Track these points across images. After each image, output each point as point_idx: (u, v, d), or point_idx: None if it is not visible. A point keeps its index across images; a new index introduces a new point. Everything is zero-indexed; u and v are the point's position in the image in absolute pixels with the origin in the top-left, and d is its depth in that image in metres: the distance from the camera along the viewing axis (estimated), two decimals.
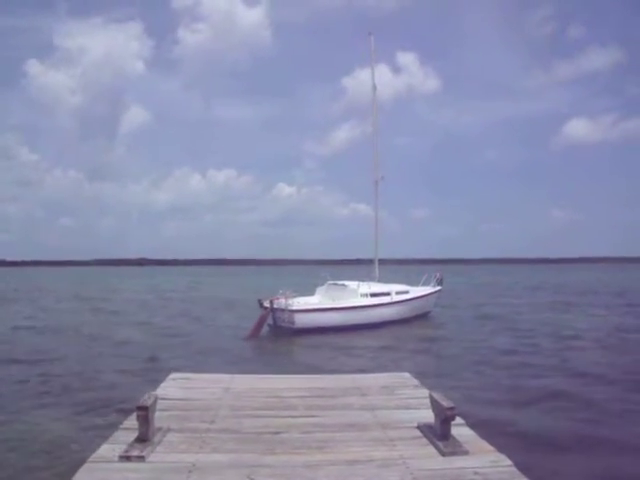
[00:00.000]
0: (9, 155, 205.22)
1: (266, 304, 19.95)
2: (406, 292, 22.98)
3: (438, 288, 25.06)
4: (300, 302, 20.32)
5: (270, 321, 19.94)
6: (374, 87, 25.30)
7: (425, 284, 24.89)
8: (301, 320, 19.26)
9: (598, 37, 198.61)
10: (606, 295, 38.12)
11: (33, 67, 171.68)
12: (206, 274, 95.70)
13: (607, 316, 24.03)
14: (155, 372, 10.33)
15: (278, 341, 18.97)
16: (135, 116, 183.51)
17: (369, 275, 23.38)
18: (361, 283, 21.91)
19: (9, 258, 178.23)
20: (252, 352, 17.33)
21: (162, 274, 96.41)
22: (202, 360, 14.02)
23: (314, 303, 20.94)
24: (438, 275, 25.54)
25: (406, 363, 12.56)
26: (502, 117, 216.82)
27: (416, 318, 23.10)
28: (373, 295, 21.60)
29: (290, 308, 19.39)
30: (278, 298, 19.82)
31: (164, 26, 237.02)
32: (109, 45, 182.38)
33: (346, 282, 22.32)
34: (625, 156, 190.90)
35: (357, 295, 21.26)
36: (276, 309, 19.69)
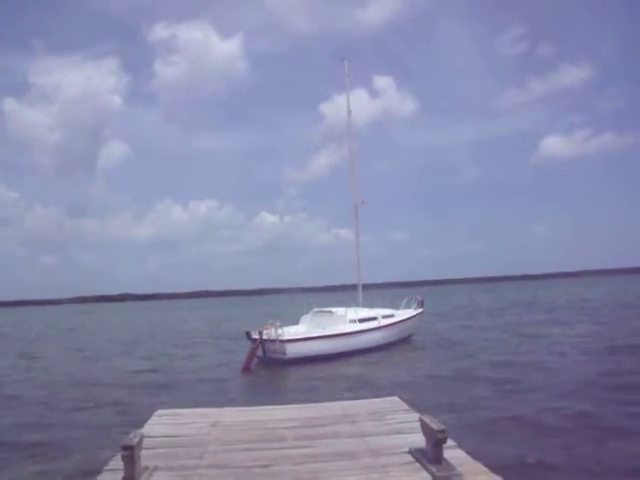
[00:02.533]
0: None
1: (255, 335, 19.40)
2: (391, 316, 22.92)
3: (420, 311, 25.12)
4: (290, 331, 19.90)
5: (260, 352, 19.37)
6: (349, 112, 25.79)
7: (406, 307, 24.84)
8: (292, 350, 18.79)
9: (568, 55, 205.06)
10: (577, 310, 37.59)
11: (9, 105, 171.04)
12: (189, 307, 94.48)
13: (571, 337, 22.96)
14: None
15: (272, 373, 18.27)
16: (114, 150, 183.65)
17: (353, 300, 23.26)
18: (348, 309, 21.73)
19: None
20: (250, 387, 16.59)
21: (145, 310, 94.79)
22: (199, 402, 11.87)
23: (301, 332, 20.46)
24: (419, 298, 25.59)
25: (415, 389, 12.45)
26: (480, 137, 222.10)
27: (401, 342, 23.03)
28: (361, 320, 21.34)
29: (281, 338, 18.92)
30: (266, 329, 19.32)
31: (140, 60, 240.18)
32: (86, 81, 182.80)
33: (333, 309, 22.08)
34: (599, 170, 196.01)
35: (346, 321, 20.92)
36: (265, 340, 19.17)
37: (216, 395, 13.91)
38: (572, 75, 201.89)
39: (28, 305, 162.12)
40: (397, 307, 24.42)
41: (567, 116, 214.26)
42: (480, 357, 18.97)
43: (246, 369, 18.49)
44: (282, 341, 18.90)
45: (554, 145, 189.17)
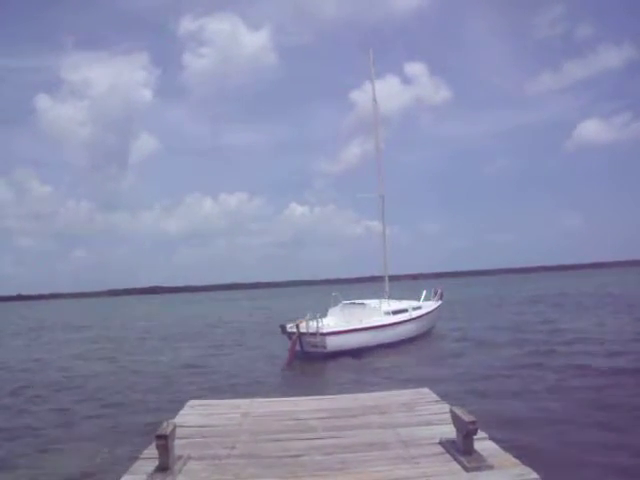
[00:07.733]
0: (22, 189, 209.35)
1: (291, 329, 18.74)
2: (419, 308, 22.70)
3: (439, 303, 24.73)
4: (330, 324, 19.26)
5: (297, 347, 18.44)
6: (375, 102, 25.49)
7: (425, 299, 24.28)
8: (333, 343, 18.13)
9: (609, 35, 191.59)
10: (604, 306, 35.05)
11: (42, 102, 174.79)
12: (220, 299, 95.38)
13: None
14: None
15: (316, 367, 17.34)
16: (145, 144, 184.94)
17: (380, 292, 23.00)
18: (381, 301, 21.46)
19: (24, 292, 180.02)
20: (301, 382, 15.49)
21: (178, 302, 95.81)
22: None
23: (333, 325, 19.56)
24: (439, 290, 25.23)
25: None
26: (513, 124, 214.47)
27: (426, 334, 22.78)
28: (394, 312, 21.02)
29: (321, 331, 18.18)
30: (302, 322, 18.59)
31: (170, 53, 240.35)
32: (116, 76, 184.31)
33: (365, 301, 21.82)
34: (638, 156, 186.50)
35: (380, 313, 20.55)
36: (304, 333, 18.35)
37: (266, 394, 11.33)
38: (613, 56, 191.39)
39: (62, 298, 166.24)
40: (417, 299, 23.90)
41: (605, 100, 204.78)
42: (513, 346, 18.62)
43: (290, 364, 17.70)
44: (323, 334, 18.16)
45: (591, 131, 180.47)
